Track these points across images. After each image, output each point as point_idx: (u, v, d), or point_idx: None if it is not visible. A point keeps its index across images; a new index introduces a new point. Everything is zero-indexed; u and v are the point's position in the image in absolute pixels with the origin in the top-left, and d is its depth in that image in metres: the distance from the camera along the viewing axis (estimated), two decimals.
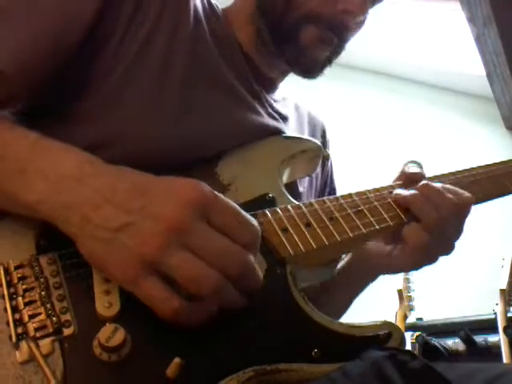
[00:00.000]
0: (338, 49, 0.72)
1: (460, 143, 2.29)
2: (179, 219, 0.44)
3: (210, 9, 0.71)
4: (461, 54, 2.30)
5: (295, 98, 0.86)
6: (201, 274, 0.43)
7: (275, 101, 0.75)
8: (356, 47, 2.73)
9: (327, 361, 0.48)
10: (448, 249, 0.65)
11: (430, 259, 0.65)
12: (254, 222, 0.47)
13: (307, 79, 0.77)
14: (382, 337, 0.51)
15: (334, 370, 0.46)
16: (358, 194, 0.63)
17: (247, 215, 0.47)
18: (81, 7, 0.59)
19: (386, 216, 0.61)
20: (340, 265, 0.71)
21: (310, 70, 0.72)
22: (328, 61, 0.73)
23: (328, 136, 0.87)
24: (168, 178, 0.47)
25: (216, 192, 0.46)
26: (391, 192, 0.65)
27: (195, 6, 0.68)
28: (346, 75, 2.64)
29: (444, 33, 2.29)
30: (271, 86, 0.77)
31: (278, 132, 0.70)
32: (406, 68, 2.53)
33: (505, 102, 2.14)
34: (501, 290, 1.47)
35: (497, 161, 0.77)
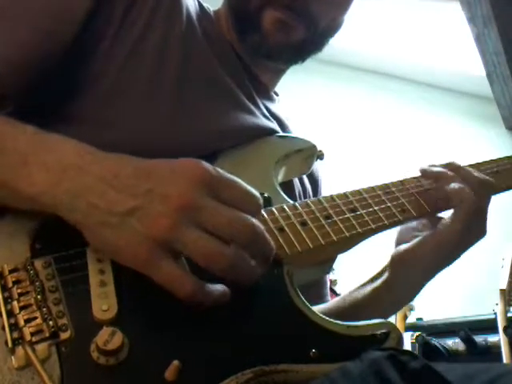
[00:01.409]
0: (311, 30, 0.69)
1: (460, 143, 2.29)
2: (187, 197, 0.44)
3: (201, 10, 0.72)
4: (461, 54, 2.30)
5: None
6: (215, 250, 0.44)
7: (267, 107, 0.75)
8: (355, 47, 2.72)
9: (325, 361, 0.48)
10: (483, 231, 0.65)
11: (467, 243, 0.65)
12: (255, 191, 0.49)
13: (286, 65, 0.76)
14: (380, 336, 0.50)
15: (333, 370, 0.46)
16: (353, 193, 0.63)
17: (248, 186, 0.49)
18: (73, 5, 0.58)
19: (381, 215, 0.61)
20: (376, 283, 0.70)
21: (275, 54, 0.70)
22: (305, 44, 0.70)
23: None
24: (169, 160, 0.48)
25: (216, 167, 0.47)
26: (387, 191, 0.65)
27: (187, 6, 0.68)
28: (345, 75, 2.64)
29: (444, 33, 2.29)
30: (266, 89, 0.77)
31: (273, 132, 0.70)
32: (405, 68, 2.53)
33: (505, 103, 2.14)
34: (501, 290, 1.47)
35: None
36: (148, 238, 0.44)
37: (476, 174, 0.66)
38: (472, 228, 0.63)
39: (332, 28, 0.74)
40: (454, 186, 0.64)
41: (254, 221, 0.47)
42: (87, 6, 0.59)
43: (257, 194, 0.49)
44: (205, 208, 0.45)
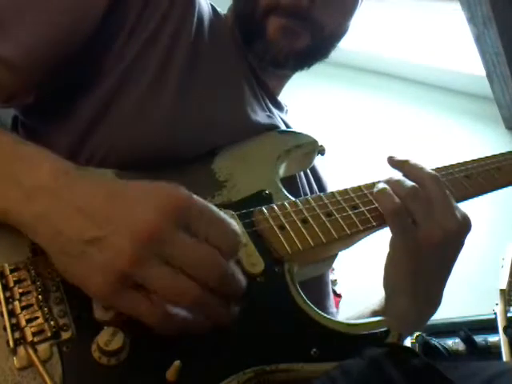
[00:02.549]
0: (316, 36, 0.69)
1: (460, 143, 2.29)
2: (154, 228, 0.41)
3: (214, 13, 0.72)
4: (461, 54, 2.30)
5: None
6: (178, 287, 0.41)
7: (271, 110, 0.75)
8: (354, 48, 2.71)
9: (326, 359, 0.47)
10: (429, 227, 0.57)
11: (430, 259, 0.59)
12: (234, 225, 0.45)
13: (292, 71, 0.76)
14: (380, 334, 0.50)
15: (333, 369, 0.46)
16: (354, 189, 0.62)
17: (227, 218, 0.44)
18: (92, 4, 0.59)
19: (381, 212, 0.60)
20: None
21: (280, 60, 0.70)
22: (310, 50, 0.70)
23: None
24: (142, 184, 0.45)
25: (193, 195, 0.44)
26: None
27: (200, 7, 0.69)
28: (345, 75, 2.65)
29: (444, 33, 2.29)
30: (273, 94, 0.77)
31: (273, 128, 0.70)
32: (405, 68, 2.53)
33: (505, 103, 2.14)
34: (501, 290, 1.47)
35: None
36: (110, 270, 0.41)
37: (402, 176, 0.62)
38: (414, 225, 0.58)
39: (337, 34, 0.74)
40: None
41: (224, 262, 0.43)
42: (104, 4, 0.59)
43: (237, 229, 0.45)
44: (172, 242, 0.41)
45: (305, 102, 2.49)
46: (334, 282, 2.10)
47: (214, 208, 0.44)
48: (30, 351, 0.41)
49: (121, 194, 0.44)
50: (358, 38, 2.24)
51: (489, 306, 1.51)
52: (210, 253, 0.42)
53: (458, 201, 0.64)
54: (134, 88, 0.60)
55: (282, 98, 0.82)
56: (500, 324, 1.43)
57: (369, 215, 0.60)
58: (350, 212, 0.59)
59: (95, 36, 0.59)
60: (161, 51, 0.62)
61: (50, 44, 0.57)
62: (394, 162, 0.64)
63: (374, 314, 0.66)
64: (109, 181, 0.46)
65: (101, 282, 0.41)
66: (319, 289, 0.73)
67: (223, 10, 0.77)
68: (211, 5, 0.74)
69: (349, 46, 2.23)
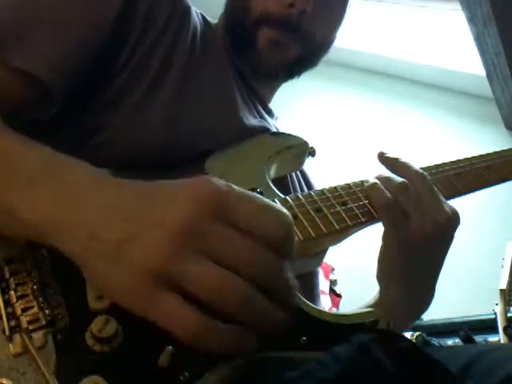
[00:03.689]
0: (306, 46, 0.71)
1: (459, 143, 2.29)
2: (189, 220, 0.38)
3: (205, 23, 0.74)
4: (461, 54, 2.30)
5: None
6: (223, 283, 0.37)
7: (262, 116, 0.76)
8: (353, 47, 2.71)
9: (315, 348, 0.48)
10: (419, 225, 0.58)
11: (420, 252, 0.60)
12: (284, 213, 0.40)
13: (282, 80, 0.78)
14: (368, 324, 0.51)
15: (323, 354, 0.47)
16: (343, 187, 0.64)
17: (274, 206, 0.40)
18: (104, 12, 0.60)
19: (370, 208, 0.62)
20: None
21: (272, 72, 0.71)
22: (300, 60, 0.72)
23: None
24: (176, 181, 0.42)
25: (233, 185, 0.40)
26: None
27: (194, 20, 0.71)
28: (346, 75, 2.65)
29: (444, 33, 2.29)
30: (264, 102, 0.79)
31: (265, 130, 0.71)
32: (405, 68, 2.53)
33: (505, 102, 2.14)
34: (501, 290, 1.47)
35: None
36: (144, 269, 0.37)
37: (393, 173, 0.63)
38: (406, 219, 0.59)
39: (326, 44, 0.76)
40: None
41: (271, 257, 0.38)
42: (115, 13, 0.60)
43: (286, 219, 0.40)
44: (210, 233, 0.38)
45: (304, 102, 2.50)
46: (334, 282, 2.11)
47: (258, 196, 0.41)
48: (25, 338, 0.42)
49: (155, 190, 0.42)
50: (358, 38, 2.25)
51: (489, 306, 1.51)
52: (255, 245, 0.38)
53: (448, 198, 0.65)
54: (133, 92, 0.62)
55: (277, 102, 0.84)
56: (500, 324, 1.43)
57: (357, 211, 0.61)
58: (339, 208, 0.61)
59: (104, 47, 0.61)
60: (159, 61, 0.64)
61: (70, 55, 0.58)
62: (383, 159, 0.66)
63: (368, 307, 0.67)
64: (141, 183, 0.43)
65: (134, 284, 0.38)
66: (308, 290, 0.74)
67: (213, 19, 0.78)
68: (201, 14, 0.75)
69: (346, 45, 2.24)
